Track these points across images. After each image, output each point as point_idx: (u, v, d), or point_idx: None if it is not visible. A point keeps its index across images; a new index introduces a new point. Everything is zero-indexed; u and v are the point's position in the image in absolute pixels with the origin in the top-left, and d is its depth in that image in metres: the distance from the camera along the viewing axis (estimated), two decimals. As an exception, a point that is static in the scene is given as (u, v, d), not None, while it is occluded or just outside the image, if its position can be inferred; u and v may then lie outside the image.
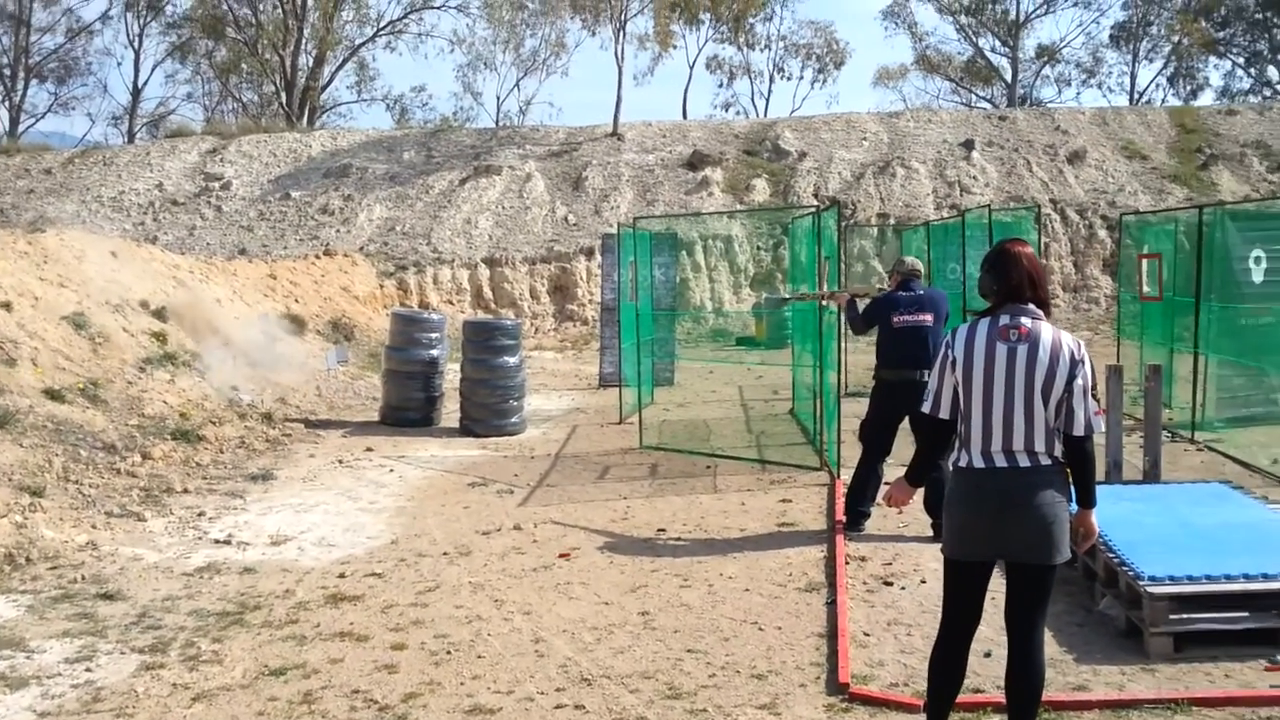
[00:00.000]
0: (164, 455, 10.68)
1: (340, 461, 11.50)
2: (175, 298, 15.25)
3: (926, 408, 4.50)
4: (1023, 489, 4.23)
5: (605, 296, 17.89)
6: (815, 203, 25.42)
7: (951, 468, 4.45)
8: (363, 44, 49.03)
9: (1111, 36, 53.63)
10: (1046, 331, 4.25)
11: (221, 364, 14.23)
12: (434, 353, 13.95)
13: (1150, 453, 8.86)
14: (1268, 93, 50.02)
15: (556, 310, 27.32)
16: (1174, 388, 13.59)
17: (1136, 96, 51.64)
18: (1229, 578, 5.85)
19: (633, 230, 14.51)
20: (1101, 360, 5.43)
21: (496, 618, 6.52)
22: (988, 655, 5.52)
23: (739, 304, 27.57)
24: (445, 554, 7.97)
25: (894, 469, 8.26)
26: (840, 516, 8.49)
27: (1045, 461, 4.24)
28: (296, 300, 21.02)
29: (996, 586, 4.50)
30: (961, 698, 4.69)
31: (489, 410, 13.21)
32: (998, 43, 52.75)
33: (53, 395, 10.78)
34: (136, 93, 50.94)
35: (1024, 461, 4.24)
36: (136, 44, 50.18)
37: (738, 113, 51.75)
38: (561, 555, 7.88)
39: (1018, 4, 51.25)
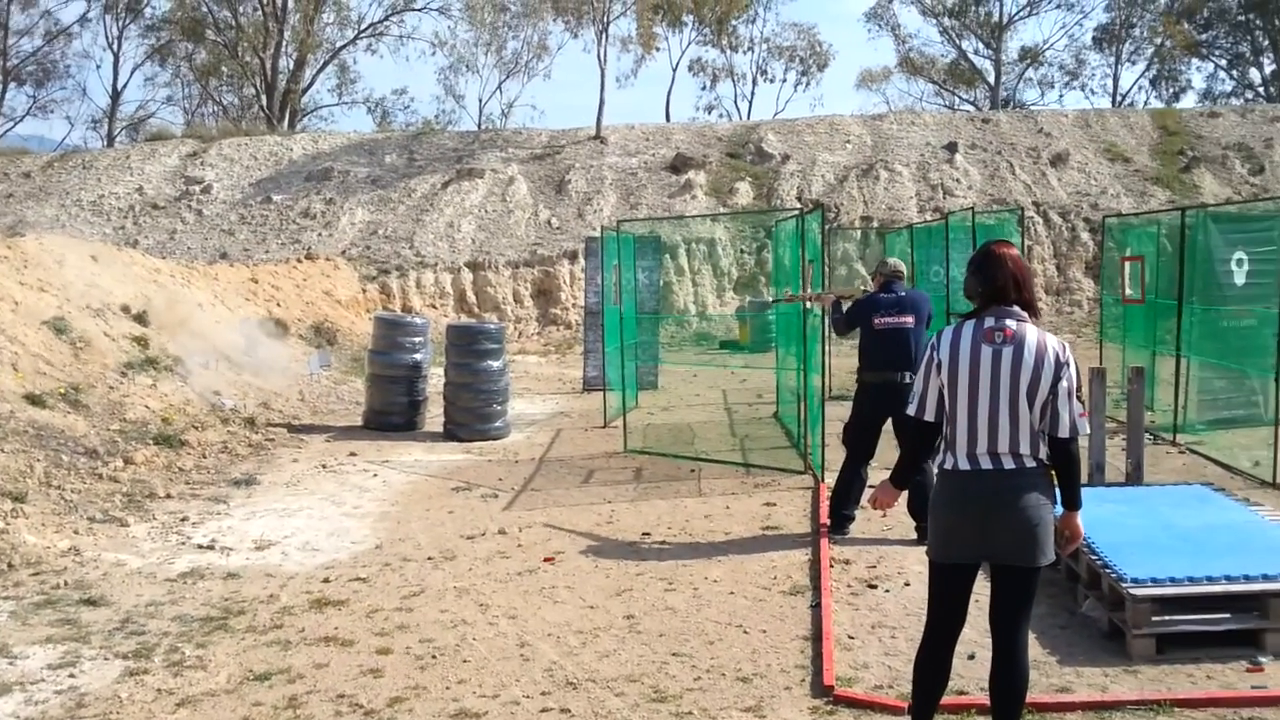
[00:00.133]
0: (146, 460, 10.64)
1: (324, 466, 11.47)
2: (156, 302, 15.18)
3: (912, 410, 4.51)
4: (1008, 491, 4.24)
5: (589, 300, 17.89)
6: (799, 205, 25.46)
7: (937, 470, 4.47)
8: (343, 46, 49.02)
9: (1094, 39, 53.98)
10: (1031, 333, 4.27)
11: (203, 369, 14.19)
12: (417, 357, 13.93)
13: (1133, 455, 8.90)
14: (1250, 95, 50.40)
15: (540, 314, 27.31)
16: (1156, 390, 13.66)
17: (1119, 99, 51.95)
18: (1211, 579, 5.88)
19: (616, 233, 14.51)
20: (1084, 363, 5.46)
21: (481, 622, 6.51)
22: (971, 657, 5.54)
23: (723, 307, 27.60)
24: (430, 558, 7.96)
25: (878, 472, 8.29)
26: (825, 520, 8.50)
27: (1030, 464, 4.26)
28: (278, 304, 20.96)
29: (980, 589, 4.51)
30: (945, 699, 4.70)
31: (473, 414, 13.19)
32: (981, 45, 53.00)
33: (34, 400, 10.73)
34: (116, 96, 50.78)
35: (1009, 464, 4.25)
36: (115, 46, 50.01)
37: (721, 115, 51.89)
38: (546, 559, 7.88)
39: (1001, 6, 51.53)
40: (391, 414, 13.69)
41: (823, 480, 9.80)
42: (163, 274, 17.30)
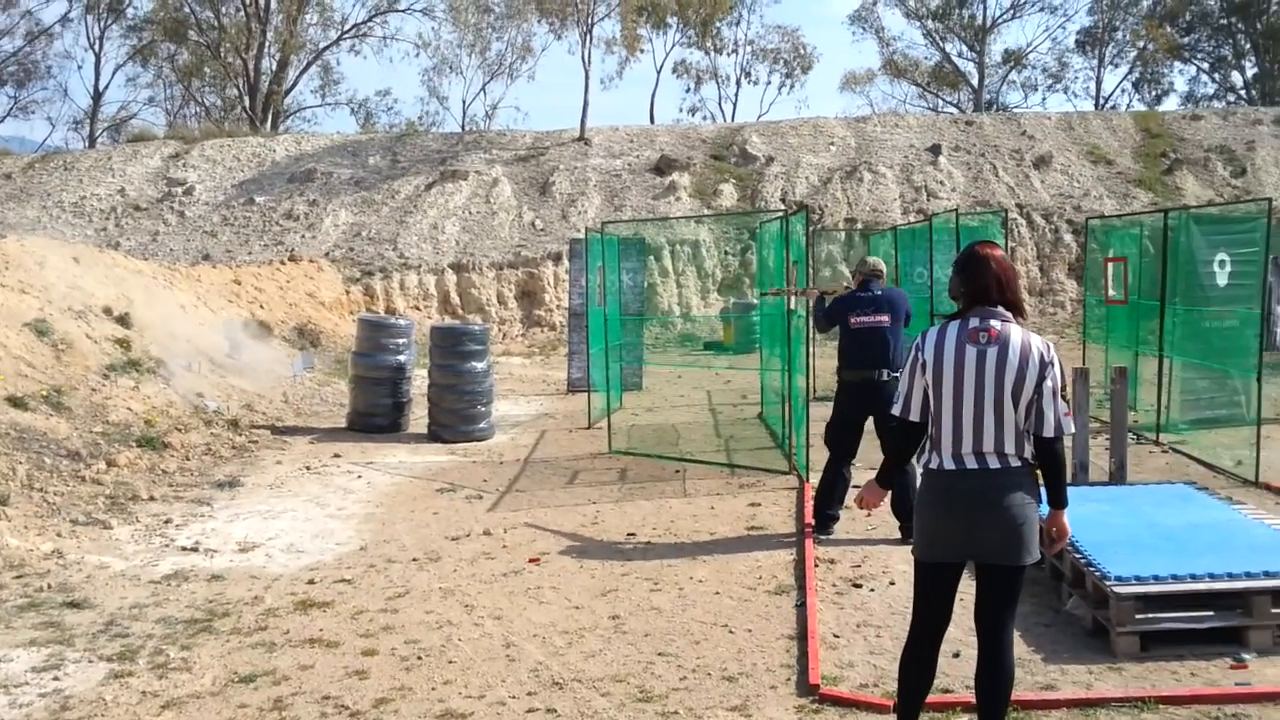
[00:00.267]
0: (129, 463, 10.59)
1: (308, 468, 11.44)
2: (139, 304, 15.12)
3: (896, 410, 4.53)
4: (993, 490, 4.25)
5: (573, 302, 17.88)
6: (783, 207, 25.50)
7: (922, 469, 4.48)
8: (327, 47, 48.85)
9: (1077, 42, 54.15)
10: (1016, 334, 4.28)
11: (186, 370, 14.14)
12: (401, 358, 13.91)
13: (1116, 454, 8.94)
14: (1232, 98, 50.62)
15: (524, 316, 27.28)
16: (1139, 390, 13.72)
17: (1102, 101, 52.15)
18: (1194, 577, 5.91)
19: (600, 235, 14.51)
20: (1067, 364, 5.49)
21: (467, 623, 6.51)
22: (956, 655, 5.56)
23: (707, 309, 27.62)
24: (415, 560, 7.94)
25: (862, 472, 8.31)
26: (809, 519, 8.52)
27: (1015, 463, 4.27)
28: (261, 306, 20.89)
29: (965, 587, 4.53)
30: (931, 698, 4.72)
31: (457, 416, 13.17)
32: (965, 48, 53.12)
33: (15, 403, 10.67)
34: (97, 96, 50.52)
35: (994, 463, 4.27)
36: (97, 47, 49.71)
37: (705, 117, 51.90)
38: (531, 560, 7.87)
39: (984, 9, 51.68)
40: (376, 416, 13.67)
41: (807, 480, 9.82)
42: (145, 275, 17.23)
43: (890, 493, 6.97)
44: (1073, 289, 27.40)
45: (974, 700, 4.51)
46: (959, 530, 4.31)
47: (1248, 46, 50.46)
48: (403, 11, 47.34)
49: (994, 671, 4.38)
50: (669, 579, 7.35)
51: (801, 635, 6.15)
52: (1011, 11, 52.50)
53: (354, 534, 8.75)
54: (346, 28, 48.17)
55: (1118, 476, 8.86)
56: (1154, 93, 53.84)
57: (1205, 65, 53.36)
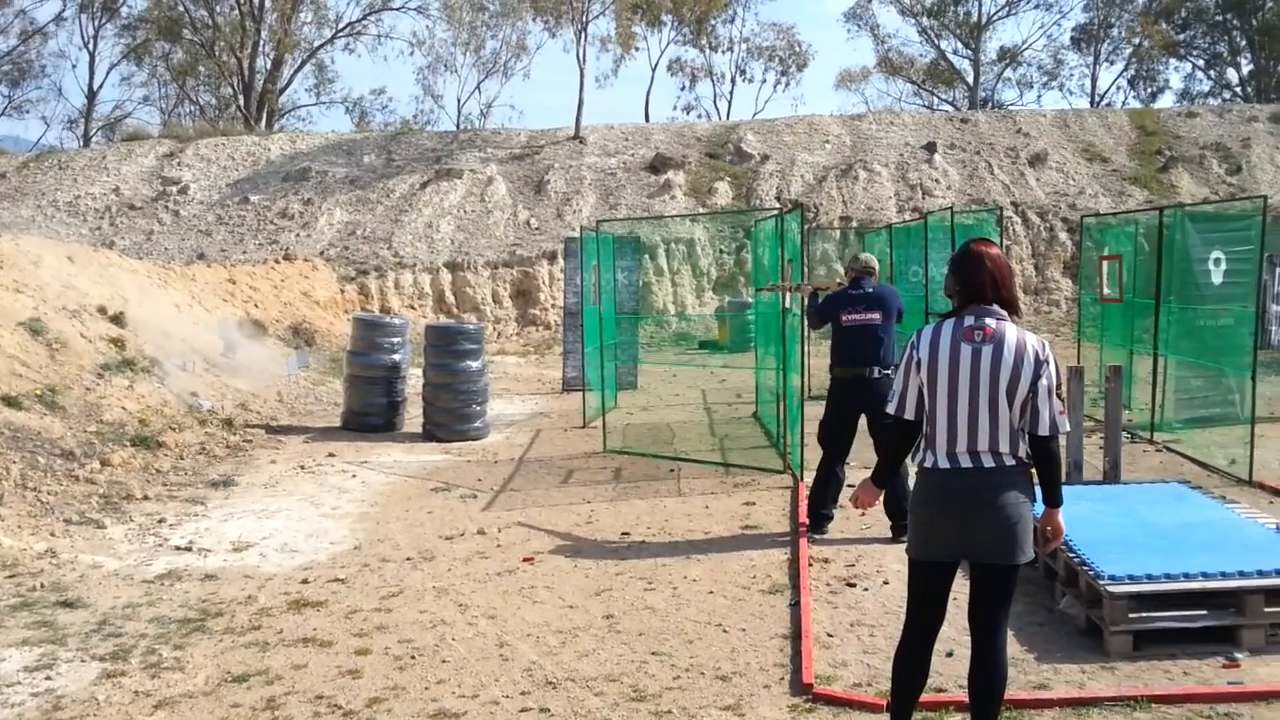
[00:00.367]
0: (123, 462, 10.58)
1: (302, 467, 11.43)
2: (133, 303, 15.11)
3: (891, 408, 4.52)
4: (987, 489, 4.25)
5: (568, 300, 17.88)
6: (778, 205, 25.50)
7: (916, 468, 4.48)
8: (321, 46, 48.79)
9: (1073, 39, 54.23)
10: (1011, 332, 4.28)
11: (181, 370, 14.13)
12: (396, 358, 13.89)
13: (1110, 453, 8.95)
14: (1227, 95, 50.67)
15: (519, 314, 27.26)
16: (1133, 389, 13.72)
17: (1097, 99, 52.21)
18: (1187, 576, 5.92)
19: (595, 234, 14.51)
20: (1062, 362, 5.48)
21: (461, 622, 6.50)
22: (950, 655, 5.56)
23: (702, 307, 27.62)
24: (409, 559, 7.94)
25: (856, 471, 8.31)
26: (804, 519, 8.52)
27: (1010, 462, 4.27)
28: (256, 305, 20.88)
29: (959, 587, 4.53)
30: (924, 697, 4.72)
31: (452, 415, 13.16)
32: (960, 45, 53.17)
33: (9, 402, 10.65)
34: (92, 96, 50.47)
35: (989, 462, 4.27)
36: (91, 46, 49.65)
37: (700, 115, 51.87)
38: (525, 559, 7.87)
39: (979, 6, 51.70)
40: (370, 415, 13.66)
41: (802, 479, 9.82)
42: (140, 275, 17.21)
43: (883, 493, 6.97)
44: (1068, 287, 27.42)
45: (967, 699, 4.51)
46: (953, 529, 4.31)
47: (1243, 43, 50.53)
48: (397, 10, 47.35)
49: (987, 670, 4.38)
50: (663, 578, 7.35)
51: (795, 634, 6.15)
52: (1007, 8, 52.57)
53: (348, 533, 8.74)
54: (341, 26, 48.14)
55: (1111, 475, 8.86)
56: (1149, 90, 53.97)
57: (1201, 62, 53.45)
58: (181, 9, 45.76)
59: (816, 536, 8.25)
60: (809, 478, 9.02)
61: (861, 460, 8.78)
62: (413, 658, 5.91)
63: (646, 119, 45.17)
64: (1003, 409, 4.24)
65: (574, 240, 17.75)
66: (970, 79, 52.51)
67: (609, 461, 11.70)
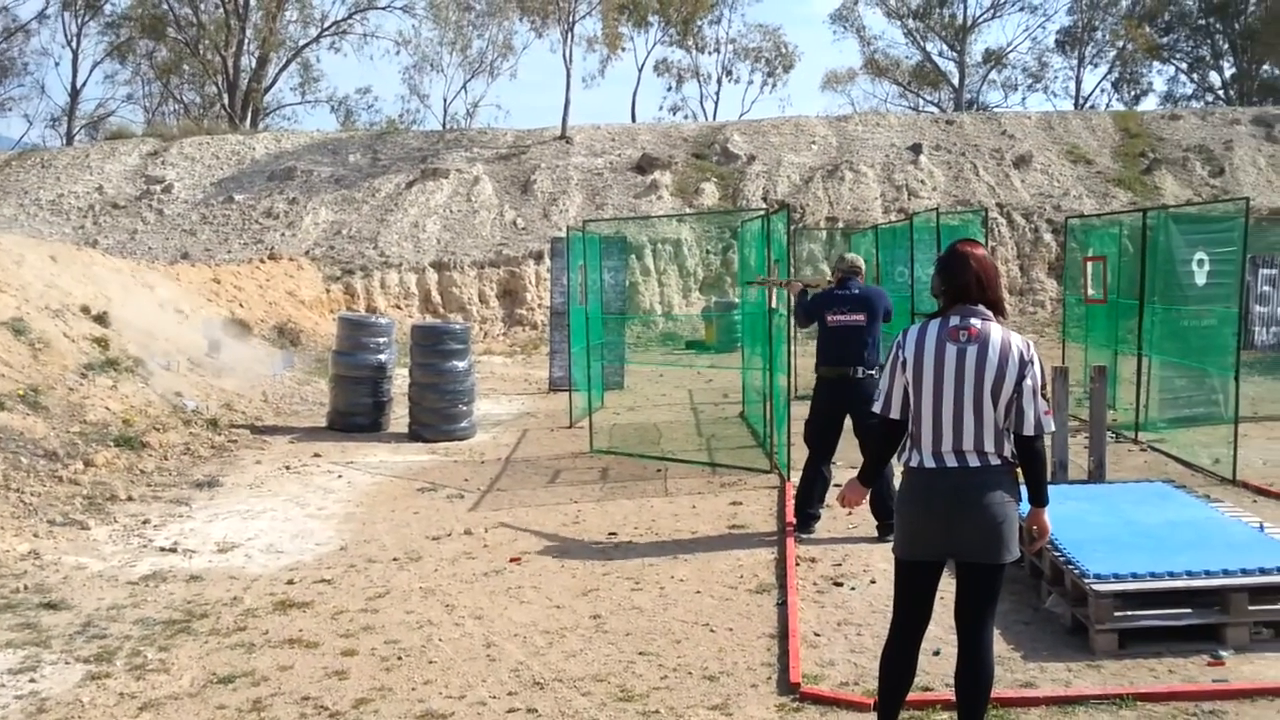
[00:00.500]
0: (107, 462, 10.53)
1: (288, 468, 11.40)
2: (117, 303, 15.04)
3: (877, 408, 4.53)
4: (973, 489, 4.26)
5: (554, 300, 17.87)
6: (764, 206, 25.52)
7: (902, 468, 4.48)
8: (306, 45, 48.71)
9: (1057, 41, 54.44)
10: (996, 332, 4.29)
11: (165, 370, 14.07)
12: (382, 357, 13.86)
13: (1095, 453, 8.97)
14: (1210, 98, 50.90)
15: (505, 314, 27.25)
16: (1118, 389, 13.76)
17: (1081, 101, 52.40)
18: (1172, 575, 5.94)
19: (582, 234, 14.49)
20: (1047, 362, 5.50)
21: (447, 623, 6.49)
22: (937, 653, 5.57)
23: (689, 308, 27.64)
24: (395, 560, 7.92)
25: (842, 470, 8.33)
26: (790, 518, 8.52)
27: (995, 461, 4.28)
28: (241, 305, 20.82)
29: (945, 586, 4.54)
30: (911, 696, 4.72)
31: (438, 415, 13.14)
32: (945, 47, 53.32)
33: (-8, 402, 10.60)
34: (75, 94, 50.27)
35: (974, 461, 4.27)
36: (74, 44, 49.49)
37: (686, 116, 51.95)
38: (512, 560, 7.86)
39: (965, 8, 51.87)
40: (356, 415, 13.62)
41: (788, 479, 9.83)
42: (123, 274, 17.14)
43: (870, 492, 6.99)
44: (1052, 288, 27.51)
45: (954, 698, 4.52)
46: (939, 528, 4.32)
47: (1226, 47, 50.79)
48: (383, 9, 47.29)
49: (974, 669, 4.39)
50: (650, 578, 7.35)
51: (782, 634, 6.15)
52: (992, 11, 52.77)
53: (334, 534, 8.72)
54: (326, 25, 48.08)
55: (1096, 475, 8.89)
56: (1133, 92, 54.22)
57: (1184, 65, 53.70)
58: (166, 7, 45.65)
59: (803, 536, 8.26)
60: (796, 477, 9.03)
61: (848, 460, 8.80)
62: (399, 658, 5.90)
63: (633, 119, 45.17)
64: (987, 409, 4.25)
65: (560, 240, 17.74)
66: (955, 81, 52.68)
67: (596, 462, 11.70)
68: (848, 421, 8.38)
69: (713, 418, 14.69)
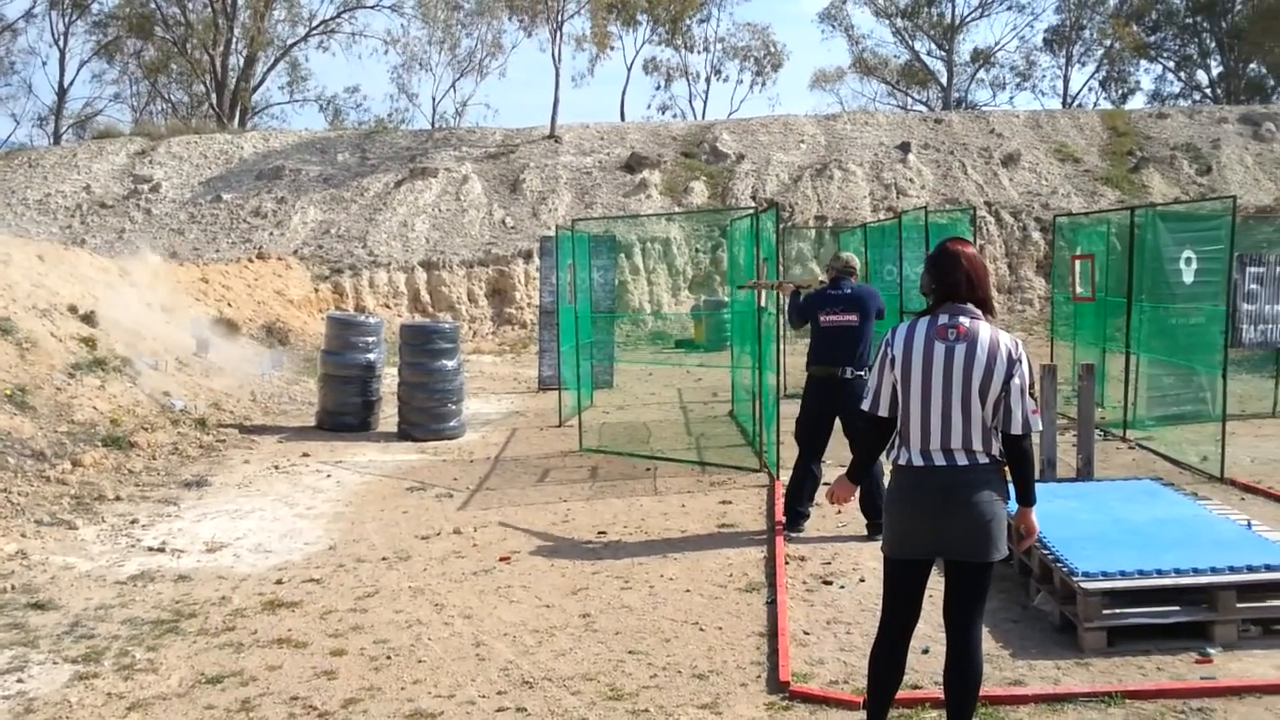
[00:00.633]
0: (95, 462, 10.50)
1: (276, 467, 11.37)
2: (104, 302, 14.99)
3: (866, 405, 4.53)
4: (961, 487, 4.26)
5: (544, 299, 17.85)
6: (753, 205, 25.54)
7: (891, 465, 4.49)
8: (295, 44, 48.62)
9: (1045, 40, 54.57)
10: (985, 331, 4.29)
11: (153, 369, 14.03)
12: (371, 357, 13.84)
13: (1083, 451, 8.99)
14: (1197, 96, 51.05)
15: (495, 313, 27.22)
16: (1106, 387, 13.82)
17: (1069, 100, 52.49)
18: (1160, 573, 5.95)
19: (571, 233, 14.49)
20: (1035, 361, 5.51)
21: (437, 622, 6.48)
22: (926, 652, 5.58)
23: (678, 306, 27.64)
24: (384, 559, 7.91)
25: (831, 469, 8.33)
26: (780, 517, 8.53)
27: (983, 460, 4.28)
28: (229, 304, 20.77)
29: (934, 584, 4.54)
30: (900, 694, 4.73)
31: (427, 414, 13.12)
32: (933, 46, 53.40)
33: (-21, 402, 10.56)
34: (62, 93, 50.05)
35: (962, 460, 4.28)
36: (62, 43, 49.26)
37: (675, 115, 51.94)
38: (502, 559, 7.85)
39: (953, 8, 51.95)
40: (345, 414, 13.60)
41: (778, 478, 9.83)
42: (111, 274, 17.09)
43: (859, 489, 7.00)
44: (1041, 286, 27.57)
45: (943, 696, 4.52)
46: (927, 527, 4.32)
47: (1213, 45, 50.91)
48: (371, 8, 47.19)
49: (962, 667, 4.39)
50: (640, 577, 7.35)
51: (772, 632, 6.15)
52: (980, 10, 52.86)
53: (323, 533, 8.70)
54: (315, 24, 47.98)
55: (1085, 473, 8.91)
56: (1120, 91, 54.33)
57: (1171, 64, 53.85)
58: (153, 6, 45.52)
59: (793, 534, 8.26)
60: (785, 476, 9.04)
61: (837, 459, 8.79)
62: (389, 658, 5.89)
63: (622, 118, 45.14)
64: (975, 407, 4.26)
65: (549, 239, 17.72)
66: (944, 80, 52.76)
67: (585, 460, 11.69)
68: (839, 421, 8.38)
69: (702, 416, 14.70)
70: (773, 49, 52.92)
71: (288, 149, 33.47)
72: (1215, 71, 51.67)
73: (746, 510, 9.23)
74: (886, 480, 4.65)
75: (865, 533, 8.13)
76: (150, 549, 8.18)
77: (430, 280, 27.27)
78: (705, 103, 55.57)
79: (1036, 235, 28.69)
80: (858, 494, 7.81)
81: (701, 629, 6.30)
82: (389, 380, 14.61)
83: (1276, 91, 48.80)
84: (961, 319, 4.31)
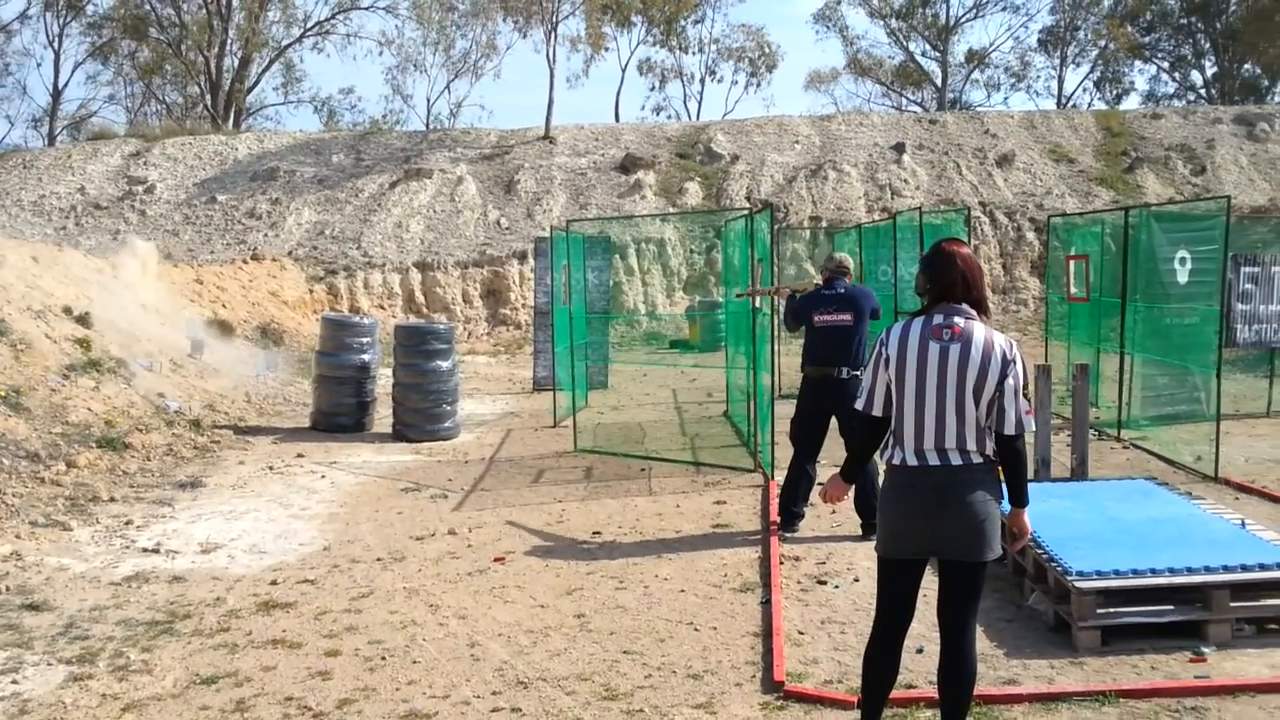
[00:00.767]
0: (90, 463, 10.49)
1: (271, 468, 11.36)
2: (98, 303, 14.98)
3: (860, 405, 4.54)
4: (954, 487, 4.27)
5: (538, 300, 17.85)
6: (748, 205, 25.54)
7: (884, 465, 4.49)
8: (289, 45, 48.50)
9: (1039, 41, 54.58)
10: (979, 331, 4.30)
11: (147, 370, 14.01)
12: (365, 358, 13.83)
13: (1077, 450, 9.00)
14: (1192, 97, 51.12)
15: (489, 314, 27.21)
16: (1100, 387, 13.82)
17: (1064, 100, 52.54)
18: (1154, 572, 5.96)
19: (566, 233, 14.48)
20: (1030, 360, 5.51)
21: (431, 622, 6.48)
22: (920, 651, 5.58)
23: (672, 307, 27.64)
24: (379, 560, 7.90)
25: (826, 469, 8.32)
26: (775, 517, 8.53)
27: (977, 460, 4.29)
28: (224, 305, 20.76)
29: (929, 583, 4.55)
30: (895, 693, 4.73)
31: (422, 415, 13.12)
32: (928, 47, 53.44)
33: (-27, 403, 10.55)
34: (57, 94, 49.95)
35: (956, 459, 4.28)
36: (56, 44, 49.17)
37: (670, 116, 51.93)
38: (496, 559, 7.85)
39: (947, 8, 52.00)
40: (339, 415, 13.59)
41: (772, 478, 9.84)
42: (105, 275, 17.07)
43: (853, 489, 7.01)
44: (1035, 286, 27.60)
45: (937, 695, 4.53)
46: (921, 526, 4.32)
47: (1207, 46, 50.98)
48: (366, 9, 47.11)
49: (957, 667, 4.40)
50: (634, 577, 7.35)
51: (766, 632, 6.16)
52: (974, 11, 52.90)
53: (317, 534, 8.69)
54: (309, 25, 47.87)
55: (1079, 472, 8.92)
56: (1115, 91, 54.37)
57: (1165, 64, 53.90)
58: (148, 7, 45.41)
59: (787, 535, 8.27)
60: (780, 476, 9.04)
61: (832, 459, 8.77)
62: (383, 658, 5.89)
63: (617, 119, 45.14)
64: (969, 407, 4.26)
65: (544, 240, 17.73)
66: (938, 80, 52.79)
67: (580, 461, 11.69)
68: (834, 421, 8.38)
69: (697, 417, 14.70)
70: (767, 50, 52.95)
71: (282, 150, 33.44)
72: (1210, 72, 51.76)
73: (741, 510, 9.23)
74: (881, 480, 4.65)
75: (860, 533, 8.13)
76: (145, 550, 8.17)
77: (425, 281, 27.26)
78: (700, 104, 55.89)
79: (1031, 236, 28.73)
80: (852, 494, 7.84)
81: (696, 629, 6.30)
82: (384, 381, 14.61)
83: (1271, 92, 48.94)
84: (956, 319, 4.32)
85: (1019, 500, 4.46)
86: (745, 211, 12.16)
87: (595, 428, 13.54)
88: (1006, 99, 63.32)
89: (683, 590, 7.04)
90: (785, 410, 9.15)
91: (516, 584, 7.24)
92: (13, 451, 10.10)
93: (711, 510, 9.26)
